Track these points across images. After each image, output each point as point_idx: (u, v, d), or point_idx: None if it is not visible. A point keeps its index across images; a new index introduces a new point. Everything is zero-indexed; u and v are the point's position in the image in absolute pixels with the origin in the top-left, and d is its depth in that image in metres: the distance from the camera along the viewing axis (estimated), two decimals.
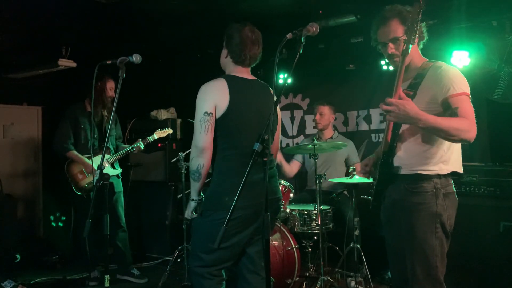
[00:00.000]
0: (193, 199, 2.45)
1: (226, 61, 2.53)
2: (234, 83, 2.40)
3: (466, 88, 2.11)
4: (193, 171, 2.36)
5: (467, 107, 2.06)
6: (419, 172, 2.16)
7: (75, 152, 4.16)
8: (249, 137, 2.36)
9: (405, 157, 2.21)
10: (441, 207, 2.12)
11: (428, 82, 2.16)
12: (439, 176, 2.14)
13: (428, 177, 2.14)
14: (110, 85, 4.18)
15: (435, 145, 2.15)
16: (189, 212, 2.50)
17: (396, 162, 2.23)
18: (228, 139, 2.38)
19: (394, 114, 1.99)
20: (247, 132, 2.39)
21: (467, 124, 2.02)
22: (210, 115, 2.33)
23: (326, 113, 4.45)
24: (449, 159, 2.16)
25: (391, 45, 2.24)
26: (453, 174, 2.18)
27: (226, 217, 2.16)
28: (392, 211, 2.28)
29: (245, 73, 2.53)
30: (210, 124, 2.33)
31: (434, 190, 2.13)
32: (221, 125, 2.36)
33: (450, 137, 2.05)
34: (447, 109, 2.09)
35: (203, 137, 2.32)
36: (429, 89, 2.15)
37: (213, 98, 2.35)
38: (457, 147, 2.21)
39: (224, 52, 2.53)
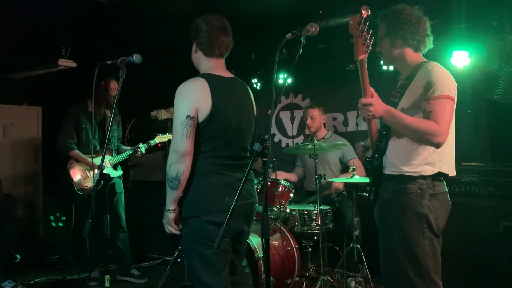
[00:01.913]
0: (169, 210, 2.28)
1: (197, 56, 2.41)
2: (215, 84, 2.27)
3: (449, 90, 2.10)
4: (172, 178, 2.22)
5: (441, 111, 2.06)
6: (404, 173, 2.17)
7: (77, 151, 4.15)
8: (231, 139, 2.32)
9: (391, 157, 2.24)
10: (426, 207, 2.13)
11: (415, 84, 2.19)
12: (423, 177, 2.15)
13: (413, 178, 2.15)
14: (113, 85, 4.17)
15: (421, 146, 2.15)
16: (169, 224, 2.30)
17: (385, 161, 2.27)
18: (209, 142, 2.27)
19: (366, 112, 2.08)
20: (229, 134, 2.31)
21: (434, 128, 2.04)
22: (193, 119, 2.19)
23: (316, 116, 4.47)
24: (434, 161, 2.16)
25: (380, 43, 2.37)
26: (439, 175, 2.17)
27: (212, 220, 2.17)
28: (382, 211, 2.31)
29: (221, 69, 2.40)
30: (192, 128, 2.19)
31: (419, 191, 2.14)
32: (204, 128, 2.25)
33: (417, 140, 2.12)
34: (424, 111, 2.12)
35: (185, 142, 2.18)
36: (415, 91, 2.17)
37: (195, 100, 2.22)
38: (448, 149, 2.19)
39: (193, 47, 2.41)
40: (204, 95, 2.23)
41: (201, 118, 2.23)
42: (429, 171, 2.15)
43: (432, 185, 2.15)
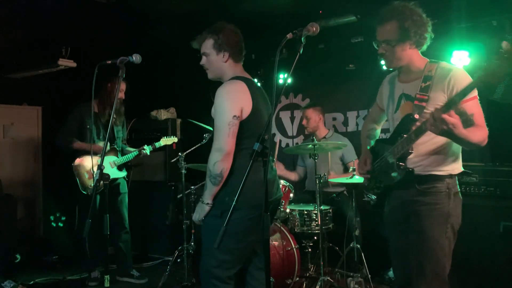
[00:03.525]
0: (207, 203, 2.36)
1: (226, 65, 2.49)
2: (250, 85, 2.41)
3: (475, 90, 2.10)
4: (216, 175, 2.29)
5: (480, 112, 2.11)
6: (433, 172, 2.16)
7: (79, 142, 4.12)
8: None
9: (417, 160, 2.20)
10: (452, 207, 2.14)
11: (438, 85, 2.16)
12: (451, 176, 2.17)
13: (441, 178, 2.16)
14: (122, 86, 4.15)
15: (447, 145, 2.16)
16: (201, 216, 2.39)
17: (409, 164, 2.20)
18: (250, 139, 2.34)
19: (443, 129, 1.94)
20: (261, 129, 2.43)
21: (485, 133, 2.08)
22: (238, 118, 2.30)
23: (311, 116, 4.47)
24: (458, 157, 2.20)
25: (383, 45, 2.26)
26: (462, 173, 2.21)
27: (249, 214, 2.26)
28: (401, 213, 2.27)
29: (245, 72, 2.54)
30: (236, 127, 2.29)
31: (447, 190, 2.15)
32: (245, 127, 2.33)
33: (471, 147, 2.09)
34: (462, 114, 2.07)
35: (231, 141, 2.28)
36: (440, 93, 2.15)
37: (240, 101, 2.33)
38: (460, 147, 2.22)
39: (222, 56, 2.46)
40: (246, 95, 2.35)
41: (244, 117, 2.34)
42: (456, 169, 2.18)
43: (454, 184, 2.19)
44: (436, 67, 2.19)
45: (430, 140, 2.17)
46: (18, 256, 4.61)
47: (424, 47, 2.29)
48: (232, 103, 2.31)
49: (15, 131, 5.51)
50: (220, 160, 2.27)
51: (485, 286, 3.25)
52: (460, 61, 3.74)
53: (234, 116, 2.28)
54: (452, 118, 1.92)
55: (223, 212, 2.30)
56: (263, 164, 1.93)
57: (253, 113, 2.36)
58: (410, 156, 2.19)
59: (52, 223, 5.59)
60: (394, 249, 2.32)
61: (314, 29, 1.97)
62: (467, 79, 2.12)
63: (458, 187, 2.22)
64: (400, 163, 2.19)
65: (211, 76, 2.54)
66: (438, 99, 2.14)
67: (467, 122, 2.07)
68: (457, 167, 2.19)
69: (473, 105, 2.10)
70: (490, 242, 3.23)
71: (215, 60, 2.47)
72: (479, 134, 2.07)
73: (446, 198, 2.14)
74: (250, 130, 2.36)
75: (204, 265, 2.43)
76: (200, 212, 2.39)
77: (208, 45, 2.47)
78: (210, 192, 2.34)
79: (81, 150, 4.13)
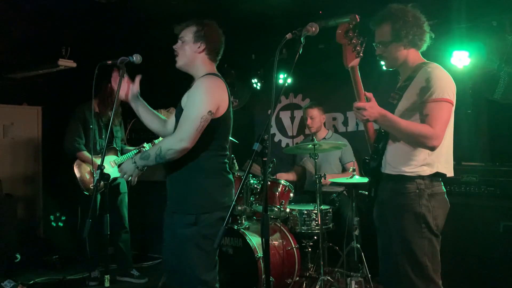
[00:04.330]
0: (142, 169, 2.32)
1: (200, 56, 2.42)
2: (227, 87, 2.40)
3: (448, 94, 2.09)
4: (165, 159, 2.22)
5: (438, 115, 2.06)
6: (402, 173, 2.18)
7: (86, 152, 4.13)
8: (229, 139, 2.45)
9: (390, 158, 2.24)
10: (425, 207, 2.13)
11: (415, 86, 2.18)
12: (421, 177, 2.15)
13: (411, 178, 2.16)
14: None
15: (418, 148, 2.15)
16: (130, 176, 2.34)
17: (384, 162, 2.27)
18: (219, 140, 2.34)
19: (360, 116, 2.07)
20: (229, 134, 2.44)
21: (428, 132, 2.04)
22: (212, 115, 2.22)
23: (316, 116, 4.47)
24: (433, 162, 2.16)
25: (379, 46, 2.30)
26: (437, 175, 2.17)
27: (223, 216, 2.17)
28: (381, 211, 2.31)
29: (219, 74, 2.49)
30: (206, 124, 2.20)
31: (417, 191, 2.14)
32: (218, 125, 2.29)
33: (412, 143, 2.12)
34: (421, 114, 2.11)
35: (196, 137, 2.19)
36: (414, 92, 2.16)
37: (218, 98, 2.28)
38: (446, 151, 2.19)
39: (197, 46, 2.40)
40: (225, 94, 2.33)
41: (218, 115, 2.28)
42: (427, 171, 2.15)
43: (430, 185, 2.15)
44: (422, 68, 2.19)
45: (397, 142, 2.20)
46: (18, 256, 4.61)
47: (424, 47, 2.29)
48: (211, 98, 2.24)
49: (15, 131, 5.52)
50: (178, 150, 2.18)
51: (485, 286, 3.25)
52: (460, 61, 3.73)
53: (209, 111, 2.20)
54: (361, 103, 2.05)
55: (198, 216, 2.26)
56: (262, 165, 1.92)
57: (227, 113, 2.34)
58: (387, 156, 2.25)
59: (52, 223, 5.59)
60: (379, 246, 2.33)
61: (314, 29, 1.98)
62: (444, 80, 2.11)
63: (442, 188, 2.19)
64: (374, 155, 2.30)
65: (179, 64, 2.45)
66: (411, 98, 2.16)
67: (422, 122, 2.10)
68: (428, 169, 2.15)
69: (433, 107, 2.06)
70: (490, 242, 3.23)
71: (190, 47, 2.41)
72: (419, 128, 2.05)
73: (416, 198, 2.13)
74: (220, 131, 2.32)
75: (189, 274, 2.30)
76: (128, 173, 2.34)
77: (188, 32, 2.43)
78: (148, 163, 2.29)
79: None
